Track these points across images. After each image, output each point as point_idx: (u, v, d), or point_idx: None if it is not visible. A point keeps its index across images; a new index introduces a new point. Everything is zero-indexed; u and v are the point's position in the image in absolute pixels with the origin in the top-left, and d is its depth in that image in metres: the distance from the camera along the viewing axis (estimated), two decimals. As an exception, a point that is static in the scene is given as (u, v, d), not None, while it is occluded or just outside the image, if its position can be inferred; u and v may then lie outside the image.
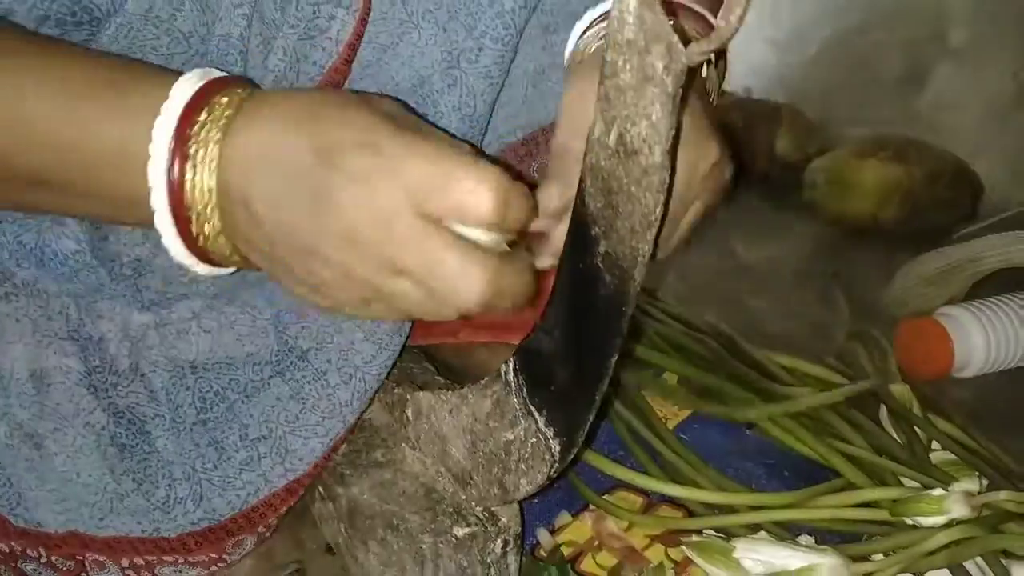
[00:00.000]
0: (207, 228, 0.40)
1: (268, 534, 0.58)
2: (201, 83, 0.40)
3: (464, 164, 0.37)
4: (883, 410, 0.73)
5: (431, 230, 0.37)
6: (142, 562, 0.54)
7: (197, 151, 0.39)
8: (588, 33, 0.50)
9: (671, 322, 0.83)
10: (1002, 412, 0.79)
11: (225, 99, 0.40)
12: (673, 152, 0.35)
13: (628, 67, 0.34)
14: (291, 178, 0.38)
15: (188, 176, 0.39)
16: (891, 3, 1.18)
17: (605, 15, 0.49)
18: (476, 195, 0.37)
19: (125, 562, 0.54)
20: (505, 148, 0.58)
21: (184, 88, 0.40)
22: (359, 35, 0.51)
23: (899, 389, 0.74)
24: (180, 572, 0.55)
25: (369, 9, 0.50)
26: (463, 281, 0.38)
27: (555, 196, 0.45)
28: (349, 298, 0.40)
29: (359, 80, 0.52)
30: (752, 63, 1.22)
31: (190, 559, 0.55)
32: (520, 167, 0.58)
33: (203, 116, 0.39)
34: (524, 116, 0.57)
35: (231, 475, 0.55)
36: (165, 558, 0.54)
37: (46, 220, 0.53)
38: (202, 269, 0.43)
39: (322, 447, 0.56)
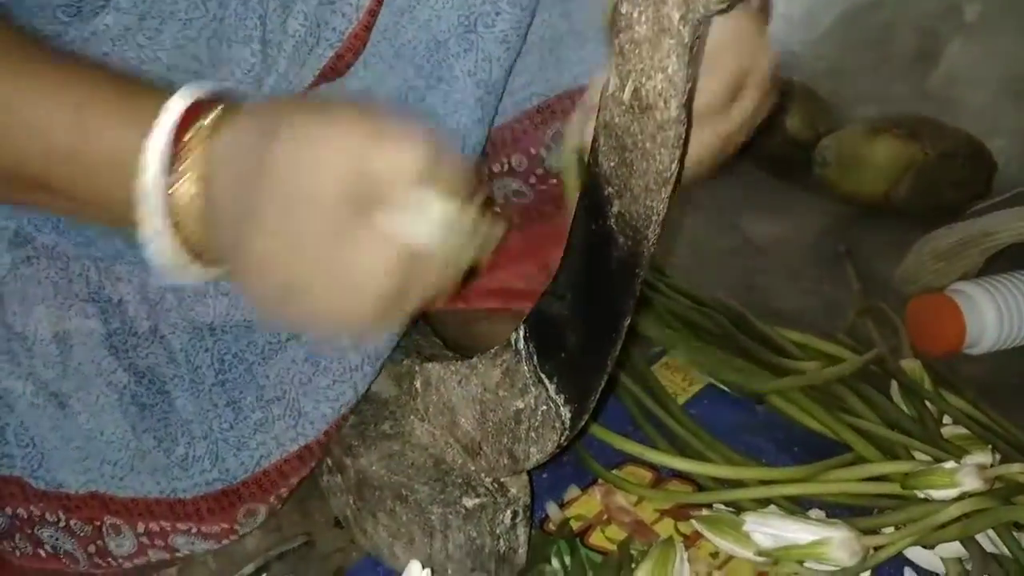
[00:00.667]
0: (192, 229, 0.40)
1: (279, 506, 0.58)
2: (190, 101, 0.40)
3: (390, 128, 0.37)
4: (894, 385, 0.73)
5: (347, 220, 0.37)
6: (157, 528, 0.54)
7: (184, 163, 0.39)
8: None
9: (680, 298, 0.82)
10: (1014, 388, 0.78)
11: (206, 121, 0.39)
12: (689, 105, 0.34)
13: (643, 19, 0.33)
14: (243, 161, 0.38)
15: (176, 186, 0.39)
16: (904, -21, 1.17)
17: None
18: (401, 150, 0.36)
19: (141, 527, 0.54)
20: (521, 114, 0.58)
21: (175, 106, 0.39)
22: (380, 1, 0.50)
23: (910, 364, 0.74)
24: (193, 544, 0.55)
25: None
26: (364, 275, 0.37)
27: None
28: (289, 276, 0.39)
29: (377, 43, 0.52)
30: (763, 41, 1.21)
31: (203, 529, 0.55)
32: (536, 133, 0.58)
33: (189, 134, 0.39)
34: (541, 82, 0.57)
35: (246, 435, 0.55)
36: (179, 525, 0.55)
37: None
38: (192, 272, 0.42)
39: (332, 412, 0.57)
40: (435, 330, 0.70)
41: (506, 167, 0.60)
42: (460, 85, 0.52)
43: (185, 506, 0.55)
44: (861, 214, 1.05)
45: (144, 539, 0.54)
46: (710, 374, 0.75)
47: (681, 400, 0.73)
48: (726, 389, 0.74)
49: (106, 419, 0.54)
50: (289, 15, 0.50)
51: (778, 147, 1.12)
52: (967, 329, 0.79)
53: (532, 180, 0.60)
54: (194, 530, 0.55)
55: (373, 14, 0.51)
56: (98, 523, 0.54)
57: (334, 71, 0.53)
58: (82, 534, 0.54)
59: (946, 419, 0.69)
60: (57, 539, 0.54)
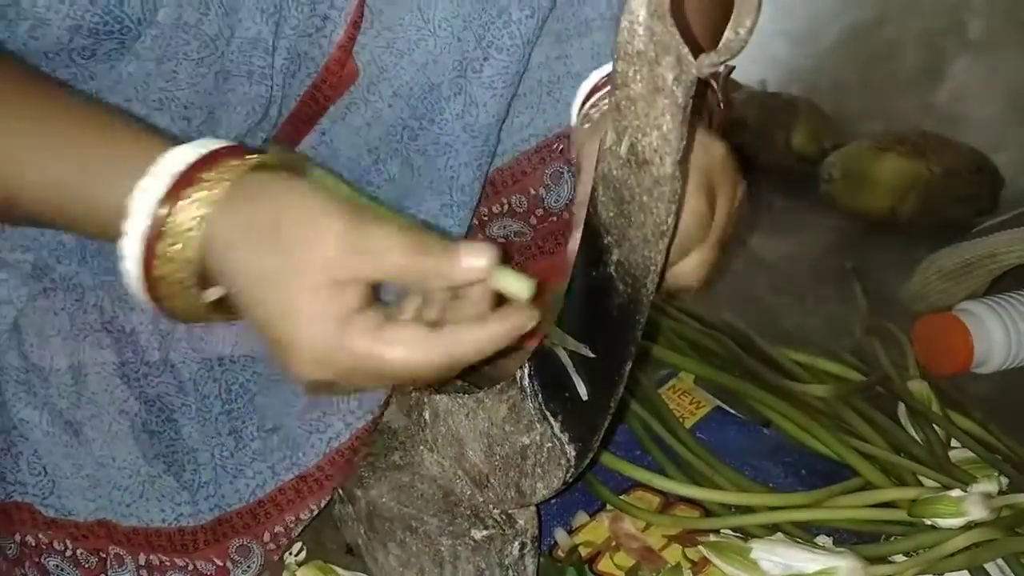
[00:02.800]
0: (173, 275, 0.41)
1: (276, 555, 0.59)
2: (191, 161, 0.40)
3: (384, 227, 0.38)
4: (901, 407, 0.73)
5: (327, 294, 0.38)
6: (156, 562, 0.55)
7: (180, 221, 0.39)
8: (594, 97, 0.51)
9: (687, 320, 0.83)
10: (1022, 406, 0.78)
11: (203, 192, 0.40)
12: (684, 163, 0.34)
13: (638, 78, 0.34)
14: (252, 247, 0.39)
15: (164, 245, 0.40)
16: (909, -5, 1.17)
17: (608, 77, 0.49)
18: (388, 246, 0.38)
19: (142, 558, 0.55)
20: (520, 155, 0.59)
21: (173, 160, 0.40)
22: (351, 38, 0.52)
23: (918, 385, 0.74)
24: None
25: (362, 14, 0.52)
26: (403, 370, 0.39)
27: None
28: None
29: (377, 83, 0.54)
30: (768, 56, 1.22)
31: (198, 566, 0.56)
32: (535, 173, 0.59)
33: (188, 193, 0.40)
34: (539, 123, 0.58)
35: (244, 463, 0.57)
36: (177, 561, 0.56)
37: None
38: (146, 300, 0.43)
39: (322, 444, 0.57)
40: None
41: (506, 207, 0.61)
42: (449, 128, 0.54)
43: (184, 535, 0.56)
44: (867, 230, 1.04)
45: (143, 572, 0.55)
46: (717, 397, 0.75)
47: (689, 423, 0.74)
48: (734, 412, 0.75)
49: (118, 446, 0.55)
50: (276, 51, 0.52)
51: (783, 163, 1.12)
52: (974, 349, 0.79)
53: (532, 220, 0.61)
54: (190, 566, 0.56)
55: (346, 49, 0.52)
56: (103, 554, 0.55)
57: (314, 102, 0.55)
58: (87, 565, 0.55)
59: (954, 441, 0.69)
60: (63, 570, 0.55)
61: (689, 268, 0.44)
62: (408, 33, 0.53)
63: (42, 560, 0.55)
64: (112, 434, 0.55)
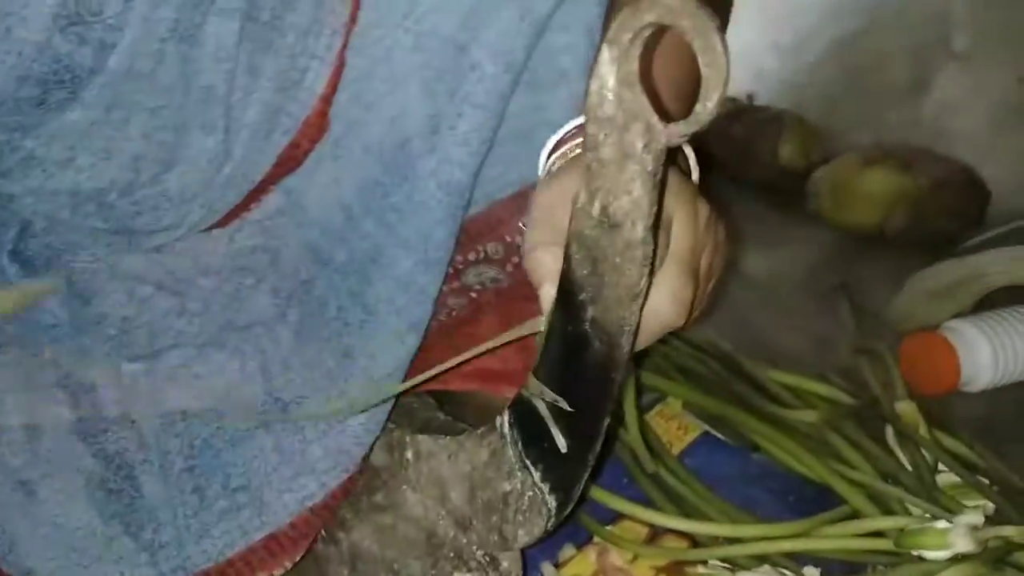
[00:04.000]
0: None
1: None
2: None
3: None
4: (889, 428, 0.73)
5: None
6: None
7: None
8: (563, 148, 0.49)
9: (675, 343, 0.83)
10: (1010, 426, 0.78)
11: None
12: (655, 228, 0.34)
13: (608, 142, 0.33)
14: None
15: None
16: (895, 8, 1.16)
17: (580, 125, 0.48)
18: None
19: None
20: (495, 204, 0.57)
21: None
22: (333, 87, 0.50)
23: (905, 406, 0.74)
24: None
25: (343, 63, 0.50)
26: None
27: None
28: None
29: (344, 137, 0.52)
30: (755, 69, 1.21)
31: None
32: (510, 222, 0.57)
33: None
34: (513, 174, 0.56)
35: (209, 523, 0.55)
36: None
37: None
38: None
39: (295, 504, 0.56)
40: (429, 390, 0.70)
41: (482, 255, 0.59)
42: (423, 185, 0.51)
43: None
44: (855, 245, 1.04)
45: None
46: (705, 422, 0.75)
47: (676, 449, 0.73)
48: (722, 437, 0.74)
49: (73, 506, 0.53)
50: (248, 105, 0.50)
51: (770, 177, 1.12)
52: (961, 368, 0.79)
53: (508, 267, 0.59)
54: None
55: (327, 101, 0.51)
56: None
57: (292, 158, 0.53)
58: None
59: (942, 464, 0.69)
60: None
61: (658, 303, 0.41)
62: (376, 85, 0.51)
63: None
64: (67, 494, 0.53)
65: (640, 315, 0.37)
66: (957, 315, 0.84)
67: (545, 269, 0.41)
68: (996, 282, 0.83)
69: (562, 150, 0.48)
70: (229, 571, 0.55)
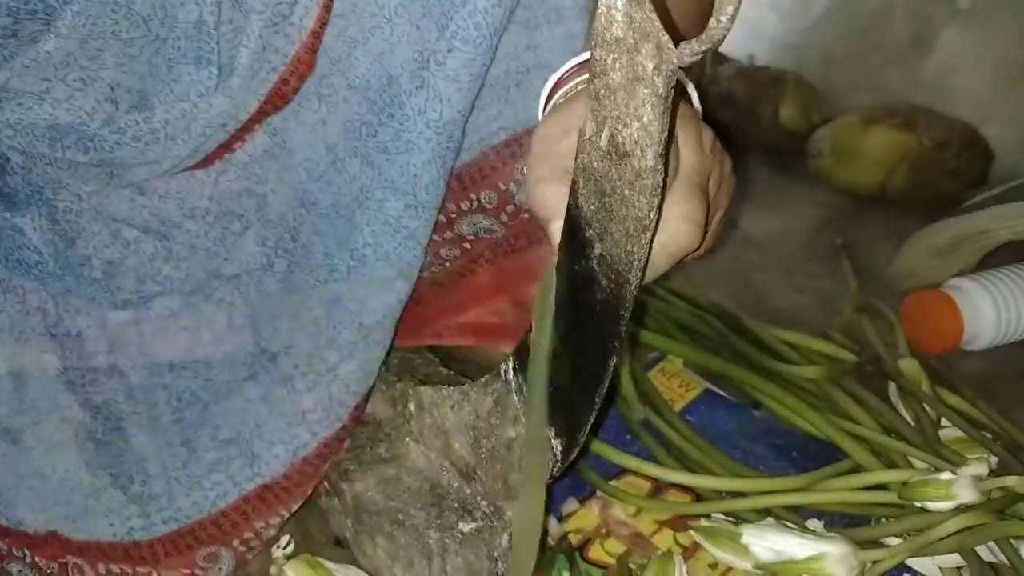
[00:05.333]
0: None
1: (249, 555, 0.57)
2: None
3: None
4: (892, 386, 0.72)
5: None
6: (117, 570, 0.54)
7: None
8: (564, 88, 0.47)
9: (676, 302, 0.82)
10: (1012, 384, 0.78)
11: None
12: (666, 155, 0.33)
13: (617, 66, 0.32)
14: None
15: None
16: (897, -35, 1.15)
17: (580, 64, 0.47)
18: None
19: (102, 568, 0.54)
20: (489, 149, 0.56)
21: None
22: (323, 23, 0.49)
23: (908, 364, 0.74)
24: None
25: None
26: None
27: None
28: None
29: (330, 75, 0.51)
30: (755, 29, 1.20)
31: (164, 574, 0.54)
32: (505, 168, 0.56)
33: None
34: (507, 116, 0.55)
35: (199, 475, 0.55)
36: (139, 569, 0.54)
37: (5, 230, 0.53)
38: None
39: (287, 454, 0.55)
40: (431, 347, 0.69)
41: (475, 204, 0.58)
42: (411, 124, 0.50)
43: (141, 549, 0.54)
44: (856, 205, 1.04)
45: None
46: (707, 379, 0.75)
47: (678, 406, 0.73)
48: (723, 394, 0.74)
49: (60, 456, 0.53)
50: (240, 41, 0.49)
51: (772, 138, 1.11)
52: (964, 326, 0.79)
53: (503, 217, 0.58)
54: (153, 574, 0.54)
55: (317, 36, 0.50)
56: (63, 561, 0.53)
57: (280, 96, 0.52)
58: (48, 571, 0.53)
59: (944, 420, 0.69)
60: (25, 574, 0.53)
61: (673, 226, 0.39)
62: (362, 20, 0.50)
63: (5, 565, 0.53)
64: (53, 443, 0.53)
65: (649, 249, 0.36)
66: (960, 273, 0.83)
67: (551, 205, 0.40)
68: (999, 238, 0.82)
69: (563, 90, 0.47)
70: (224, 522, 0.55)
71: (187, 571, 0.55)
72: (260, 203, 0.55)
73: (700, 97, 0.48)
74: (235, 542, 0.56)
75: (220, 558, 0.56)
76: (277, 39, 0.49)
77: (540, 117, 0.48)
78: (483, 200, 0.57)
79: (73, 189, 0.54)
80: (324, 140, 0.53)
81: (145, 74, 0.49)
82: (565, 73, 0.47)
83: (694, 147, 0.41)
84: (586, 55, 0.45)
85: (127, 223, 0.54)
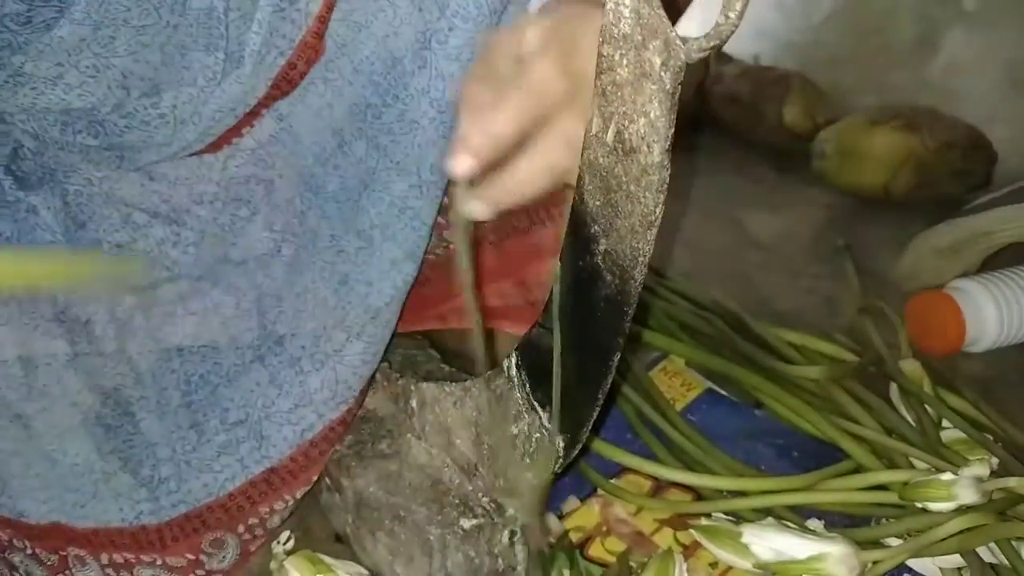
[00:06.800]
0: None
1: (253, 547, 0.57)
2: None
3: None
4: (894, 387, 0.72)
5: None
6: (121, 560, 0.54)
7: None
8: None
9: (679, 301, 0.82)
10: (1014, 386, 0.78)
11: None
12: (672, 151, 0.33)
13: (624, 62, 0.32)
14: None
15: None
16: (903, -34, 1.15)
17: None
18: None
19: (105, 558, 0.54)
20: None
21: None
22: (329, 7, 0.50)
23: (910, 365, 0.74)
24: None
25: None
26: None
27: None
28: None
29: (336, 59, 0.51)
30: (760, 28, 1.20)
31: (168, 561, 0.54)
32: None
33: None
34: None
35: (209, 458, 0.55)
36: (143, 557, 0.54)
37: (21, 211, 0.53)
38: None
39: (294, 436, 0.56)
40: (432, 342, 0.69)
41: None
42: (415, 104, 0.51)
43: (148, 534, 0.54)
44: (860, 206, 1.04)
45: (109, 571, 0.54)
46: (709, 379, 0.75)
47: (680, 405, 0.73)
48: (725, 394, 0.74)
49: (70, 441, 0.53)
50: (249, 27, 0.49)
51: (776, 138, 1.11)
52: (967, 327, 0.78)
53: None
54: (159, 562, 0.54)
55: (323, 21, 0.50)
56: (63, 553, 0.53)
57: (287, 81, 0.53)
58: (48, 563, 0.54)
59: (946, 422, 0.69)
60: (27, 566, 0.54)
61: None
62: (365, 4, 0.50)
63: (7, 555, 0.54)
64: (63, 428, 0.53)
65: (653, 245, 0.36)
66: (963, 274, 0.83)
67: (471, 102, 0.42)
68: (1002, 240, 0.82)
69: None
70: (230, 505, 0.55)
71: (192, 557, 0.55)
72: (267, 188, 0.56)
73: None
74: (240, 527, 0.56)
75: (225, 544, 0.56)
76: (284, 24, 0.50)
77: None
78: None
79: (84, 173, 0.54)
80: (330, 124, 0.53)
81: (157, 61, 0.49)
82: None
83: (547, 68, 0.42)
84: None
85: (137, 207, 0.55)
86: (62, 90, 0.49)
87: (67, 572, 0.54)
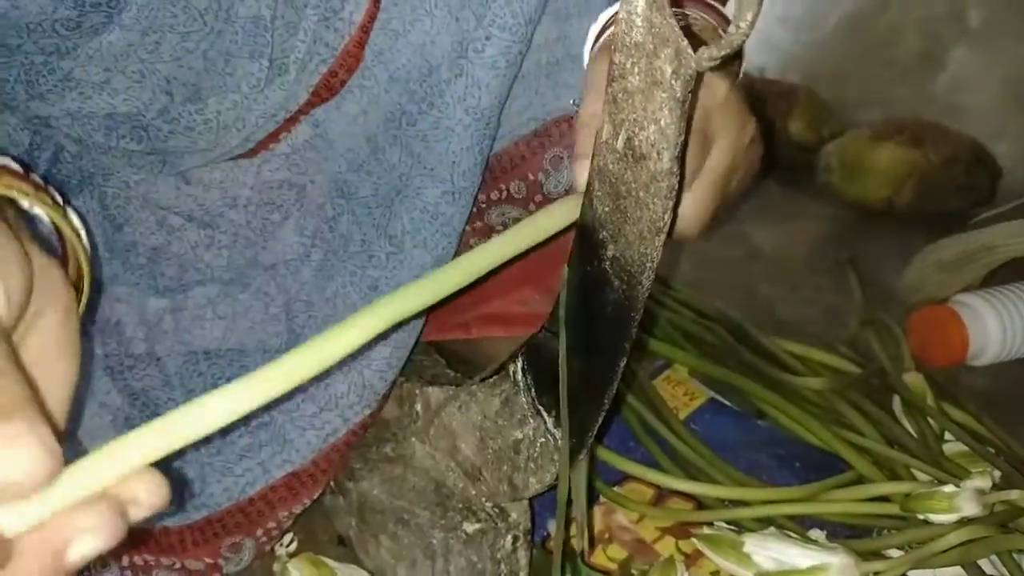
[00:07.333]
0: None
1: (268, 547, 0.58)
2: None
3: None
4: (896, 399, 0.73)
5: None
6: (141, 562, 0.54)
7: None
8: (606, 34, 0.49)
9: (683, 311, 0.83)
10: (1016, 399, 0.78)
11: None
12: (681, 158, 0.34)
13: (636, 70, 0.33)
14: None
15: None
16: (908, -19, 1.16)
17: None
18: None
19: (125, 560, 0.54)
20: (519, 139, 0.57)
21: None
22: (372, 17, 0.50)
23: (913, 378, 0.74)
24: None
25: None
26: None
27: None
28: None
29: (372, 67, 0.52)
30: (766, 42, 1.20)
31: (187, 565, 0.55)
32: (534, 159, 0.57)
33: None
34: (537, 107, 0.55)
35: (231, 461, 0.55)
36: (163, 560, 0.54)
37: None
38: None
39: (318, 440, 0.56)
40: (438, 348, 0.70)
41: (505, 194, 0.59)
42: (450, 112, 0.51)
43: (169, 536, 0.54)
44: (864, 220, 1.04)
45: (128, 573, 0.54)
46: (712, 388, 0.75)
47: (683, 414, 0.73)
48: (728, 403, 0.74)
49: (98, 441, 0.53)
50: (294, 35, 0.50)
51: (781, 152, 1.12)
52: (970, 341, 0.79)
53: (531, 207, 0.59)
54: (178, 565, 0.55)
55: (365, 30, 0.51)
56: None
57: (328, 88, 0.53)
58: None
59: (948, 434, 0.69)
60: None
61: (683, 210, 0.41)
62: (403, 13, 0.51)
63: None
64: (92, 428, 0.53)
65: (661, 251, 0.36)
66: (966, 289, 0.84)
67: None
68: (1006, 254, 0.82)
69: (605, 35, 0.48)
70: (250, 510, 0.56)
71: (211, 561, 0.55)
72: (300, 193, 0.56)
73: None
74: (259, 531, 0.56)
75: (243, 548, 0.56)
76: (328, 33, 0.50)
77: (586, 55, 0.50)
78: (512, 190, 0.58)
79: (122, 176, 0.55)
80: (364, 131, 0.54)
81: (199, 67, 0.50)
82: (607, 23, 0.48)
83: (731, 144, 0.41)
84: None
85: (172, 211, 0.55)
86: (108, 95, 0.49)
87: (87, 573, 0.54)
